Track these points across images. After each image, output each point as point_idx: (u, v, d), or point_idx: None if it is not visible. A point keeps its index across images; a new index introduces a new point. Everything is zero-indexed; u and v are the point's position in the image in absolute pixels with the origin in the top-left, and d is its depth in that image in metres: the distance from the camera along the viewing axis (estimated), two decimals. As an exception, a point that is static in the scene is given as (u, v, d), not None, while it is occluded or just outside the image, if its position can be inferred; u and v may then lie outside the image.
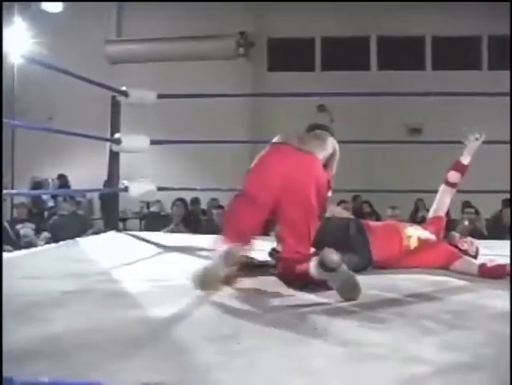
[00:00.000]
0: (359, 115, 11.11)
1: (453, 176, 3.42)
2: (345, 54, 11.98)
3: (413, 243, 3.17)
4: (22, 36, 10.19)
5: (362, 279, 2.44)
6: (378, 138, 9.96)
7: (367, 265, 3.04)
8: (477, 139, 3.43)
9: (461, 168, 3.41)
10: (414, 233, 3.23)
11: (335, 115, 11.53)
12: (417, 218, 8.00)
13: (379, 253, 3.07)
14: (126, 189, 4.68)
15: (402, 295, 2.51)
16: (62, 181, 11.42)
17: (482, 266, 2.94)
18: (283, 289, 2.58)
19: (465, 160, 3.42)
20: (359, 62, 12.02)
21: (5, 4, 10.03)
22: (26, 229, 8.15)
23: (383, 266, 3.07)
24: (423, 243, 3.19)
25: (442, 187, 3.46)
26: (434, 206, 3.50)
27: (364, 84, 10.83)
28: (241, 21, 11.66)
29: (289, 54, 12.23)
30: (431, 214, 3.49)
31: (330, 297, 2.38)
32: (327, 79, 11.38)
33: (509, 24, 9.18)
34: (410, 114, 10.96)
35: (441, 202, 3.46)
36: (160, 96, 4.93)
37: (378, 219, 7.95)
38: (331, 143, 3.08)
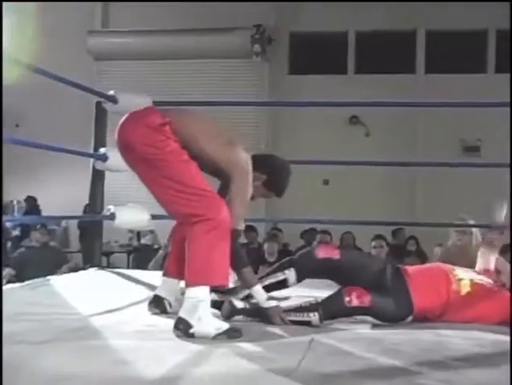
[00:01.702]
0: (400, 130, 11.15)
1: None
2: (385, 52, 12.03)
3: (465, 288, 3.16)
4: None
5: (397, 333, 2.45)
6: (425, 158, 9.99)
7: (406, 314, 3.06)
8: None
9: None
10: (466, 276, 3.23)
11: (371, 129, 11.62)
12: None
13: (421, 301, 3.08)
14: (112, 217, 4.72)
15: (448, 357, 2.51)
16: (31, 205, 11.51)
17: None
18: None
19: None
20: (402, 63, 12.06)
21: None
22: (-17, 264, 8.21)
23: (427, 317, 3.08)
24: (478, 288, 3.18)
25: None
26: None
27: (408, 91, 10.88)
28: (258, 11, 11.73)
29: (315, 53, 12.30)
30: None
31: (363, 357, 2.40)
32: (362, 84, 11.42)
33: (510, 24, 9.24)
34: (466, 128, 10.97)
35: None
36: (155, 103, 5.00)
37: (424, 261, 7.94)
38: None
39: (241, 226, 3.12)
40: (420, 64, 12.05)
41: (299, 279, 3.29)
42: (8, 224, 10.91)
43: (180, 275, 3.12)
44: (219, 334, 2.70)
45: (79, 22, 12.33)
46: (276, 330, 2.95)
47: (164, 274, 3.35)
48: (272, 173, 3.30)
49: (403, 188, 10.99)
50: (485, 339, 2.80)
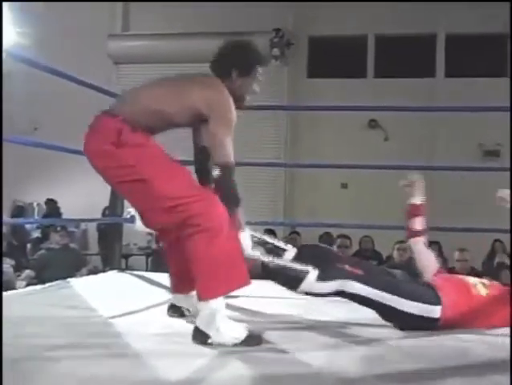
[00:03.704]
0: (419, 134, 11.11)
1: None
2: (404, 56, 11.98)
3: (482, 289, 3.20)
4: (5, 27, 10.41)
5: (419, 339, 2.44)
6: (443, 162, 9.94)
7: (431, 323, 3.04)
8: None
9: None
10: (475, 281, 3.32)
11: (390, 133, 11.58)
12: (493, 265, 7.92)
13: (449, 306, 3.05)
14: (132, 220, 4.71)
15: (470, 363, 2.50)
16: (51, 207, 11.57)
17: None
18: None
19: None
20: (421, 66, 12.01)
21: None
22: (4, 266, 8.26)
23: (455, 324, 3.07)
24: (492, 288, 3.25)
25: None
26: None
27: (428, 95, 10.85)
28: (277, 15, 11.73)
29: (334, 57, 12.28)
30: None
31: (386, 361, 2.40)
32: (382, 87, 11.38)
33: (510, 24, 9.16)
34: (485, 132, 10.91)
35: None
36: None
37: (446, 265, 7.90)
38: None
39: (232, 160, 2.88)
40: (440, 68, 11.99)
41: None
42: (28, 226, 10.99)
43: (189, 289, 3.08)
44: (237, 344, 2.65)
45: (99, 24, 12.38)
46: (297, 333, 2.94)
47: (174, 292, 3.28)
48: (239, 65, 3.06)
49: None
50: (507, 344, 2.77)
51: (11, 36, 10.18)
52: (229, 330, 2.68)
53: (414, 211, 3.77)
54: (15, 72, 8.84)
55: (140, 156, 2.79)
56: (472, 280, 3.32)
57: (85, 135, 2.90)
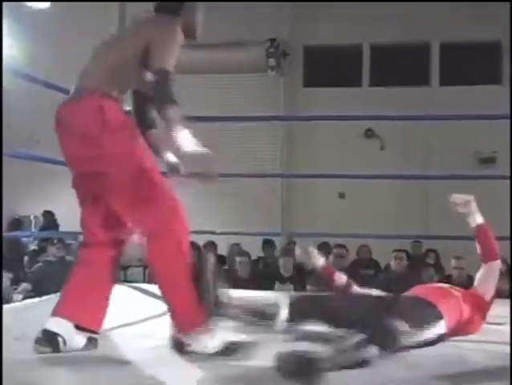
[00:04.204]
0: (415, 142, 11.13)
1: None
2: (399, 65, 12.01)
3: (456, 293, 3.27)
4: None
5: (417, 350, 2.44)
6: (439, 170, 9.96)
7: (440, 339, 3.03)
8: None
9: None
10: (447, 285, 3.45)
11: (386, 142, 11.60)
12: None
13: (448, 315, 3.05)
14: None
15: (469, 370, 2.50)
16: (48, 219, 11.54)
17: None
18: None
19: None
20: (416, 75, 12.04)
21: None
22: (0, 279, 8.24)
23: (455, 332, 3.07)
24: (461, 292, 3.33)
25: None
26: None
27: (423, 103, 10.87)
28: (272, 25, 11.76)
29: (329, 66, 12.29)
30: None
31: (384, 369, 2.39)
32: (377, 96, 11.41)
33: (510, 24, 9.18)
34: (480, 139, 10.93)
35: None
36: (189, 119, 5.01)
37: (442, 274, 7.92)
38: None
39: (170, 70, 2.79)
40: (434, 76, 12.03)
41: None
42: (25, 239, 10.95)
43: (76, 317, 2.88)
44: (216, 353, 2.65)
45: (97, 35, 12.34)
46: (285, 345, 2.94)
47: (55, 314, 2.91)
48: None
49: (418, 200, 10.95)
50: (504, 352, 2.78)
51: (6, 49, 10.20)
52: (208, 339, 2.69)
53: (485, 232, 3.68)
54: (15, 85, 8.83)
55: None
56: (445, 285, 3.42)
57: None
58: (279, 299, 3.03)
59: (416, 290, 3.34)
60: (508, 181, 5.77)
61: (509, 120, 5.46)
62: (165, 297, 2.79)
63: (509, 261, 8.61)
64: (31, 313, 3.67)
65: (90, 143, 2.73)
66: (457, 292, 3.27)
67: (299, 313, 2.98)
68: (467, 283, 6.62)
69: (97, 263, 2.94)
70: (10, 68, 3.79)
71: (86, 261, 2.95)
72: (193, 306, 2.69)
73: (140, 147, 2.83)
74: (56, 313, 2.83)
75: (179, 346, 2.68)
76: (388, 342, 2.67)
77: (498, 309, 3.43)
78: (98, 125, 2.72)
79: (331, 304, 3.06)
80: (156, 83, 2.73)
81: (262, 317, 2.96)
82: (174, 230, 2.74)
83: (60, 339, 2.73)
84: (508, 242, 5.91)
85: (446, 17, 11.41)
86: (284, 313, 2.94)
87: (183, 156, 2.68)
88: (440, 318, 3.00)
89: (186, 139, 2.65)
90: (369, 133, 11.45)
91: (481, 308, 3.28)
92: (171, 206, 2.76)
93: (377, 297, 3.26)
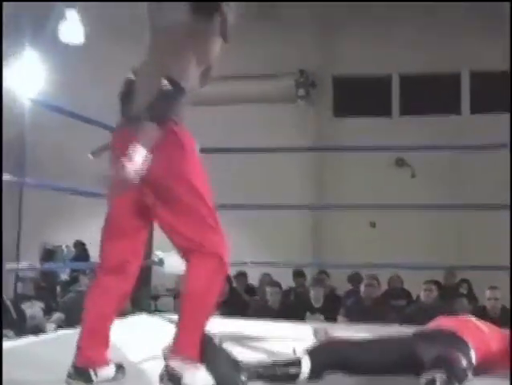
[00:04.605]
0: (447, 170, 11.04)
1: None
2: (429, 94, 12.00)
3: (484, 327, 3.16)
4: (35, 72, 10.53)
5: None
6: (472, 197, 9.85)
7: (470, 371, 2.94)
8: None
9: None
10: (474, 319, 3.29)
11: (417, 170, 11.53)
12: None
13: (476, 347, 2.98)
14: (160, 263, 4.75)
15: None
16: (80, 250, 11.61)
17: None
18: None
19: None
20: (447, 104, 12.00)
21: (14, 34, 10.51)
22: (34, 309, 8.27)
23: (485, 367, 2.99)
24: (489, 326, 3.20)
25: None
26: None
27: (454, 131, 10.80)
28: (301, 56, 11.81)
29: (359, 96, 12.31)
30: None
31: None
32: (407, 125, 11.39)
33: (510, 25, 9.07)
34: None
35: None
36: (202, 150, 5.03)
37: (476, 304, 7.81)
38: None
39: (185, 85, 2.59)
40: (465, 105, 11.97)
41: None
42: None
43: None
44: None
45: (127, 69, 12.51)
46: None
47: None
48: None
49: (451, 229, 10.85)
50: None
51: (41, 80, 10.34)
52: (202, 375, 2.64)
53: None
54: (46, 118, 8.97)
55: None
56: (471, 318, 3.30)
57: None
58: (299, 351, 2.96)
59: (440, 322, 3.26)
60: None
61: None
62: (182, 314, 2.72)
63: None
64: (61, 343, 3.67)
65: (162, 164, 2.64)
66: (483, 326, 3.19)
67: (323, 364, 2.88)
68: (502, 314, 6.53)
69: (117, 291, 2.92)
70: (45, 103, 3.83)
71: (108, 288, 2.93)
72: (200, 337, 2.67)
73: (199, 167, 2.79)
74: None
75: (173, 378, 2.64)
76: (459, 374, 2.68)
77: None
78: (177, 150, 2.69)
79: (355, 351, 3.00)
80: (162, 93, 2.54)
81: (283, 379, 2.86)
82: (219, 246, 2.71)
83: (91, 372, 2.73)
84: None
85: (476, 45, 11.38)
86: (306, 369, 2.85)
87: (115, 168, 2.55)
88: (469, 348, 2.94)
89: (137, 155, 2.48)
90: (400, 162, 11.41)
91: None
92: (217, 225, 2.74)
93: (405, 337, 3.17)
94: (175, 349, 2.68)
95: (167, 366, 2.65)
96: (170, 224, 2.76)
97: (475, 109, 11.86)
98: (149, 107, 2.53)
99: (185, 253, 2.76)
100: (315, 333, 3.37)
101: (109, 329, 2.92)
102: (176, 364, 2.63)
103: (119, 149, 2.65)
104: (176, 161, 2.67)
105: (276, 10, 11.22)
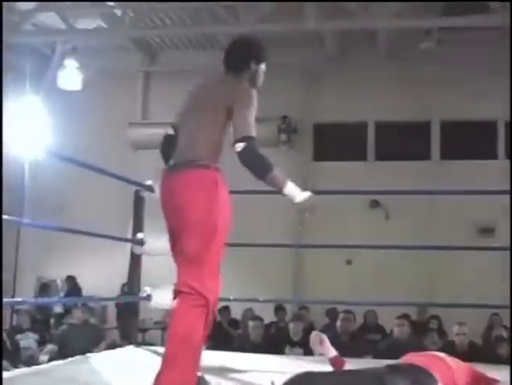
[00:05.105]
0: (418, 212, 11.11)
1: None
2: (402, 141, 12.12)
3: (450, 361, 3.14)
4: (36, 117, 10.50)
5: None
6: (441, 238, 9.92)
7: None
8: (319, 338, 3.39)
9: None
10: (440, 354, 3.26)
11: (391, 212, 11.60)
12: (491, 337, 7.81)
13: (444, 381, 2.99)
14: (148, 298, 4.76)
15: None
16: (71, 284, 11.55)
17: None
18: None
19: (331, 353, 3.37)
20: (418, 150, 12.13)
21: (14, 82, 10.54)
22: (28, 340, 8.21)
23: None
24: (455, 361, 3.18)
25: None
26: None
27: (424, 176, 10.91)
28: (283, 103, 11.91)
29: (337, 142, 12.42)
30: None
31: None
32: (382, 169, 11.50)
33: (510, 24, 9.22)
34: (480, 210, 10.88)
35: None
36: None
37: (445, 338, 7.82)
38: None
39: (254, 134, 2.89)
40: (435, 151, 12.10)
41: None
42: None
43: None
44: None
45: (120, 114, 12.61)
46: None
47: None
48: (255, 55, 3.17)
49: (422, 267, 10.88)
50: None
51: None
52: None
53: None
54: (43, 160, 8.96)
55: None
56: (440, 354, 3.26)
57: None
58: (277, 383, 2.93)
59: (411, 358, 3.25)
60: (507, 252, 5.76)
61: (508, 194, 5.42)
62: (166, 352, 2.72)
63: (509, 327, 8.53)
64: (52, 375, 3.64)
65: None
66: (451, 361, 3.19)
67: None
68: (469, 349, 6.54)
69: None
70: (43, 147, 3.85)
71: None
72: (183, 374, 2.66)
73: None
74: None
75: None
76: None
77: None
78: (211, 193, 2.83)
79: (331, 382, 2.98)
80: (247, 151, 2.80)
81: None
82: (210, 292, 2.77)
83: None
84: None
85: (445, 95, 11.56)
86: None
87: (298, 206, 2.94)
88: (437, 383, 2.94)
89: (293, 191, 2.94)
90: (374, 204, 11.48)
91: (477, 381, 3.18)
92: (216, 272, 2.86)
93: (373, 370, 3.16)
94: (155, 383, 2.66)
95: None
96: (177, 262, 2.90)
97: (444, 155, 12.00)
98: (256, 162, 2.85)
99: (176, 292, 2.77)
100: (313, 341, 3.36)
101: None
102: None
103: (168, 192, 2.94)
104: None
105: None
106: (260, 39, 3.26)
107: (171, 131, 3.19)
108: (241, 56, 3.12)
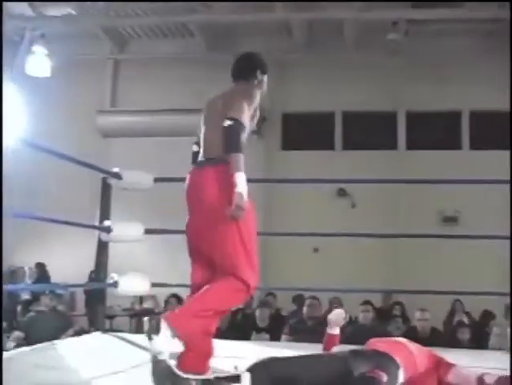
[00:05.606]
0: (384, 201, 11.22)
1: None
2: (369, 130, 12.21)
3: (412, 346, 3.23)
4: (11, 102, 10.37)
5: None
6: (406, 227, 10.04)
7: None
8: (344, 318, 3.62)
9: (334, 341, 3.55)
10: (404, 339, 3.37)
11: (357, 200, 11.69)
12: (453, 323, 7.94)
13: (405, 366, 3.04)
14: (115, 284, 4.75)
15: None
16: (40, 271, 11.46)
17: (481, 380, 2.97)
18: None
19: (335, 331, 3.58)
20: (385, 140, 12.22)
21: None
22: (-6, 327, 8.13)
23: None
24: (419, 347, 3.28)
25: None
26: None
27: (391, 165, 11.01)
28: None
29: (305, 131, 12.46)
30: None
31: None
32: (349, 158, 11.57)
33: (509, 24, 9.37)
34: (444, 200, 11.03)
35: None
36: (157, 180, 5.06)
37: (408, 324, 7.91)
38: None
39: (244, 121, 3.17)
40: (401, 141, 12.20)
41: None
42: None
43: None
44: None
45: (89, 102, 12.51)
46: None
47: None
48: (260, 66, 3.58)
49: (387, 255, 10.99)
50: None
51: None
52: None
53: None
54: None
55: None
56: (402, 339, 3.37)
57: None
58: (241, 368, 2.95)
59: (375, 343, 3.30)
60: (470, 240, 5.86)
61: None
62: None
63: (472, 314, 8.68)
64: (19, 361, 3.62)
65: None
66: (413, 347, 3.25)
67: (263, 381, 2.87)
68: (431, 334, 6.64)
69: None
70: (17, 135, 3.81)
71: None
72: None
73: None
74: None
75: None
76: None
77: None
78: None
79: (295, 368, 3.01)
80: (228, 128, 3.07)
81: None
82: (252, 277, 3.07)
83: None
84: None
85: (413, 86, 11.66)
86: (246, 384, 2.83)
87: (235, 193, 3.01)
88: (399, 367, 2.99)
89: (241, 182, 3.04)
90: (341, 192, 11.56)
91: (436, 365, 3.23)
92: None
93: (338, 354, 3.21)
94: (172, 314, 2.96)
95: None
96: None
97: (410, 145, 12.11)
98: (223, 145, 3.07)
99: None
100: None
101: None
102: (164, 321, 2.84)
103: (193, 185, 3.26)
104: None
105: (232, 47, 11.30)
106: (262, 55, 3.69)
107: (196, 148, 3.47)
108: (248, 66, 3.55)
